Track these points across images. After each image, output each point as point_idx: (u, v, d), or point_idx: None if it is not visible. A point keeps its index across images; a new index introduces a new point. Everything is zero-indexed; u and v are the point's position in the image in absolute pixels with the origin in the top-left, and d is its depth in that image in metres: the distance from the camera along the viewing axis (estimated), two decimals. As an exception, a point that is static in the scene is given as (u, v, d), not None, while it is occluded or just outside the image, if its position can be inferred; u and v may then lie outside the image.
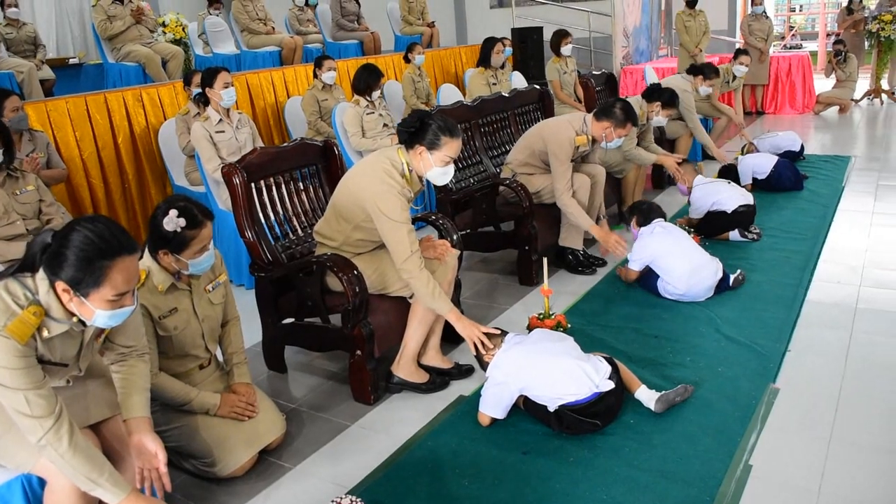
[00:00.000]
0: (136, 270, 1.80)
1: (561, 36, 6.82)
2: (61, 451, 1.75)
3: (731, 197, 4.48)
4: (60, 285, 1.73)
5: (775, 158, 5.59)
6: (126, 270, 1.75)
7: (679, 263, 3.58)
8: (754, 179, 5.51)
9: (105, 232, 1.74)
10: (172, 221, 2.22)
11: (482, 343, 2.70)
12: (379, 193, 2.73)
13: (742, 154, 5.95)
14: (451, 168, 2.84)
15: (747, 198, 4.52)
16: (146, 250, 2.34)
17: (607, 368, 2.56)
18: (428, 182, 2.92)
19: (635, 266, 3.76)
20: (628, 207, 4.14)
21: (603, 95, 6.09)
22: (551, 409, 2.50)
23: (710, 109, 6.64)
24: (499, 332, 2.77)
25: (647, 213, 3.89)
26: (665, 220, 3.86)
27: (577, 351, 2.63)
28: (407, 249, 2.71)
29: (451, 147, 2.77)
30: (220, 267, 2.56)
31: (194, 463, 2.44)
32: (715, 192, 4.54)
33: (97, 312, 1.76)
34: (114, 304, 1.77)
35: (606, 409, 2.52)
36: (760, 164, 5.54)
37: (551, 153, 3.95)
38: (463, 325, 2.75)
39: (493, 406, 2.60)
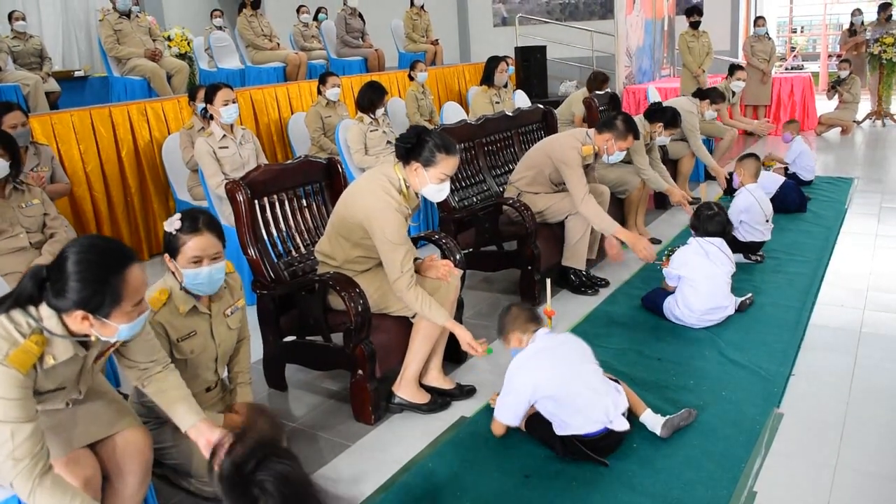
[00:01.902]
0: (144, 274, 1.80)
1: (601, 80, 6.77)
2: (24, 494, 1.68)
3: (754, 231, 4.42)
4: (78, 315, 1.70)
5: (782, 179, 5.57)
6: (137, 277, 1.76)
7: (699, 301, 3.48)
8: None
9: (103, 247, 1.74)
10: (172, 223, 2.23)
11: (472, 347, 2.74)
12: (377, 210, 2.72)
13: None
14: (447, 185, 2.83)
15: (766, 235, 4.48)
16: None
17: (625, 404, 2.51)
18: (430, 200, 2.91)
19: (670, 281, 3.64)
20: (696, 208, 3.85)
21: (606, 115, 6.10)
22: (558, 432, 2.47)
23: (713, 129, 6.66)
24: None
25: (703, 222, 3.62)
26: (723, 238, 3.61)
27: (599, 375, 2.55)
28: (398, 270, 2.72)
29: (447, 164, 2.75)
30: (240, 292, 2.53)
31: (192, 481, 2.42)
32: (752, 213, 4.40)
33: (120, 328, 1.76)
34: (132, 315, 1.77)
35: (614, 443, 2.49)
36: (766, 184, 5.52)
37: (561, 163, 3.94)
38: (460, 331, 2.79)
39: (510, 413, 2.53)
